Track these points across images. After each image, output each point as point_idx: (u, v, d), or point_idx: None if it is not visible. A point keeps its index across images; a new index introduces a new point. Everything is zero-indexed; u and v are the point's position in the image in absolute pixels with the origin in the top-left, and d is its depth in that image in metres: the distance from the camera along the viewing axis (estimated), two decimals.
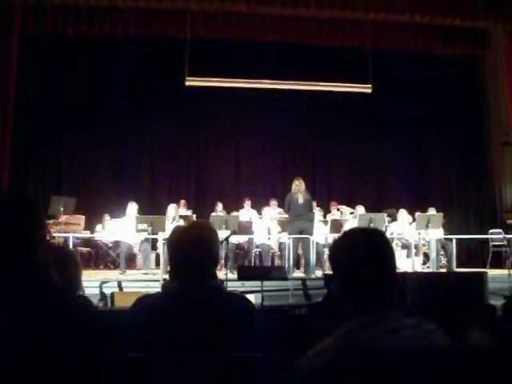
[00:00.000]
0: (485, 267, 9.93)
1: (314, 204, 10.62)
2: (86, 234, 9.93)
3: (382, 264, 1.43)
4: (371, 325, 1.38)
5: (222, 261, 8.24)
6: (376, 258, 1.43)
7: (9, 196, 1.52)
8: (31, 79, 10.51)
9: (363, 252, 1.44)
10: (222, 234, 7.46)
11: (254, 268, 8.53)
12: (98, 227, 10.41)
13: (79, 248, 9.63)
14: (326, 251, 9.97)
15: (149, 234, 8.44)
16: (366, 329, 1.37)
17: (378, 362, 1.32)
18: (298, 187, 8.70)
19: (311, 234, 8.67)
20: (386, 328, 1.37)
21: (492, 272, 7.64)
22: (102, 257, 10.32)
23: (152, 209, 10.77)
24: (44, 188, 10.63)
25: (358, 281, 1.42)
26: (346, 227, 9.72)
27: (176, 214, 9.01)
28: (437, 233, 9.40)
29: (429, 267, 9.56)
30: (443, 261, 9.89)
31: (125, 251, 8.91)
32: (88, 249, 10.17)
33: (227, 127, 12.20)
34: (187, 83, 9.90)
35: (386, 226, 9.28)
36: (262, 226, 9.74)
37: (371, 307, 1.41)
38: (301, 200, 8.60)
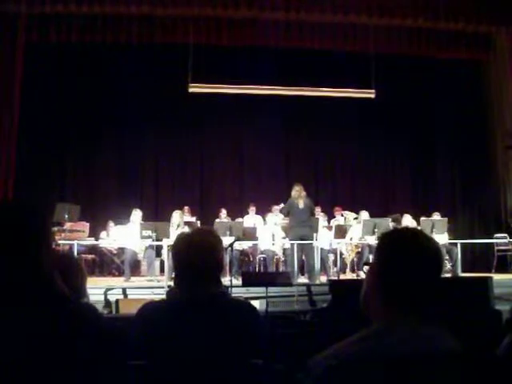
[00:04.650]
0: (490, 272, 9.89)
1: (319, 209, 10.61)
2: (91, 241, 9.95)
3: (412, 269, 1.43)
4: (387, 331, 1.38)
5: (227, 267, 8.24)
6: (423, 264, 1.43)
7: (14, 204, 1.53)
8: (36, 87, 10.55)
9: (415, 254, 1.43)
10: (227, 240, 7.46)
11: (258, 274, 8.52)
12: (103, 234, 10.41)
13: (84, 255, 9.64)
14: (331, 257, 9.96)
15: (153, 240, 8.45)
16: (382, 335, 1.37)
17: (392, 370, 1.31)
18: (299, 193, 8.66)
19: (312, 240, 8.66)
20: (401, 336, 1.37)
21: (497, 277, 7.61)
22: (106, 264, 10.32)
23: (156, 215, 10.78)
24: (48, 195, 10.64)
25: (395, 278, 1.42)
26: (351, 233, 9.72)
27: (180, 221, 9.00)
28: (441, 238, 9.36)
29: None
30: (448, 266, 9.85)
31: (129, 258, 8.91)
32: (92, 256, 10.17)
33: (231, 133, 12.21)
34: (190, 90, 9.93)
35: None
36: (267, 232, 9.73)
37: (397, 307, 1.42)
38: (301, 205, 8.57)
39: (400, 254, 1.44)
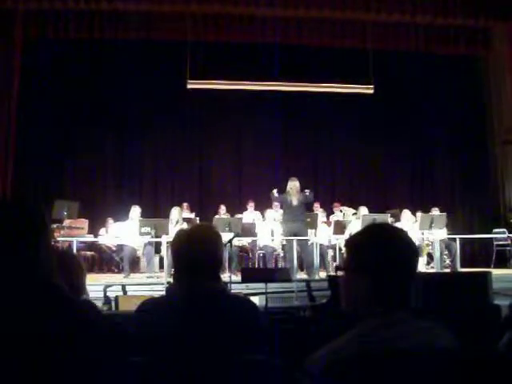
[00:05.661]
0: (489, 267, 9.90)
1: (317, 205, 10.61)
2: (90, 238, 9.95)
3: (401, 263, 1.43)
4: (383, 327, 1.38)
5: (226, 263, 8.25)
6: (397, 257, 1.43)
7: (13, 201, 1.53)
8: (34, 84, 10.54)
9: (388, 248, 1.44)
10: (226, 236, 7.45)
11: (257, 270, 8.52)
12: (102, 231, 10.41)
13: (83, 252, 9.65)
14: (330, 252, 9.97)
15: (152, 237, 8.45)
16: (379, 331, 1.37)
17: (390, 365, 1.32)
18: (292, 189, 8.63)
19: (305, 236, 8.64)
20: (397, 331, 1.37)
21: (496, 272, 7.63)
22: (105, 261, 10.32)
23: (155, 212, 10.78)
24: (47, 192, 10.64)
25: (379, 276, 1.42)
26: (349, 228, 9.72)
27: (179, 217, 9.00)
28: (440, 233, 9.38)
29: (433, 267, 9.55)
30: (447, 261, 9.86)
31: (128, 255, 8.91)
32: (92, 253, 10.17)
33: (229, 129, 12.20)
34: (189, 86, 9.92)
35: None
36: (266, 228, 9.74)
37: (386, 304, 1.42)
38: (295, 202, 8.54)
39: (390, 253, 1.43)
